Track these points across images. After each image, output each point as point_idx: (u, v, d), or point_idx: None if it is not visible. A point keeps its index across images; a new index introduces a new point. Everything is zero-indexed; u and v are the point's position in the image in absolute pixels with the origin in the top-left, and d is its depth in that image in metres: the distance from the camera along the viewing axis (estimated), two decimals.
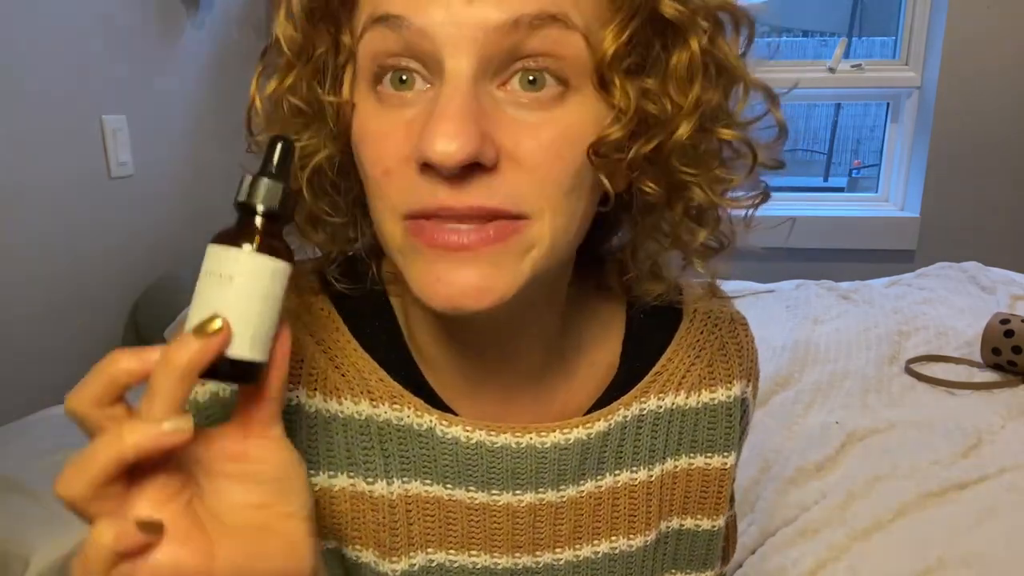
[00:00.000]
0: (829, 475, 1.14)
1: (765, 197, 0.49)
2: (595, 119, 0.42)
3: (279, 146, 0.38)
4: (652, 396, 0.56)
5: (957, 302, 1.80)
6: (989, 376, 1.42)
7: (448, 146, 0.37)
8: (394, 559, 0.52)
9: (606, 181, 0.43)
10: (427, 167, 0.39)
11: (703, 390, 0.57)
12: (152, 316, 1.65)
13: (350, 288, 0.52)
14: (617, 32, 0.40)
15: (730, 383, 0.58)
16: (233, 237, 0.37)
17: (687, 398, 0.57)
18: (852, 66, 2.41)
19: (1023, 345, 1.38)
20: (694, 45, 0.42)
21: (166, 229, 1.69)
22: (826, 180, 5.62)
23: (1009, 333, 1.40)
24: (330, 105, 0.44)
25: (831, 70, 2.41)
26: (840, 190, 4.95)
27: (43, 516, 1.05)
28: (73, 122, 1.51)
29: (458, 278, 0.41)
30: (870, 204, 2.61)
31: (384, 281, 0.53)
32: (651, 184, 0.45)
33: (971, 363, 1.47)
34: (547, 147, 0.40)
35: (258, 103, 0.46)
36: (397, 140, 0.41)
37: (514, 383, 0.53)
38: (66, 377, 1.62)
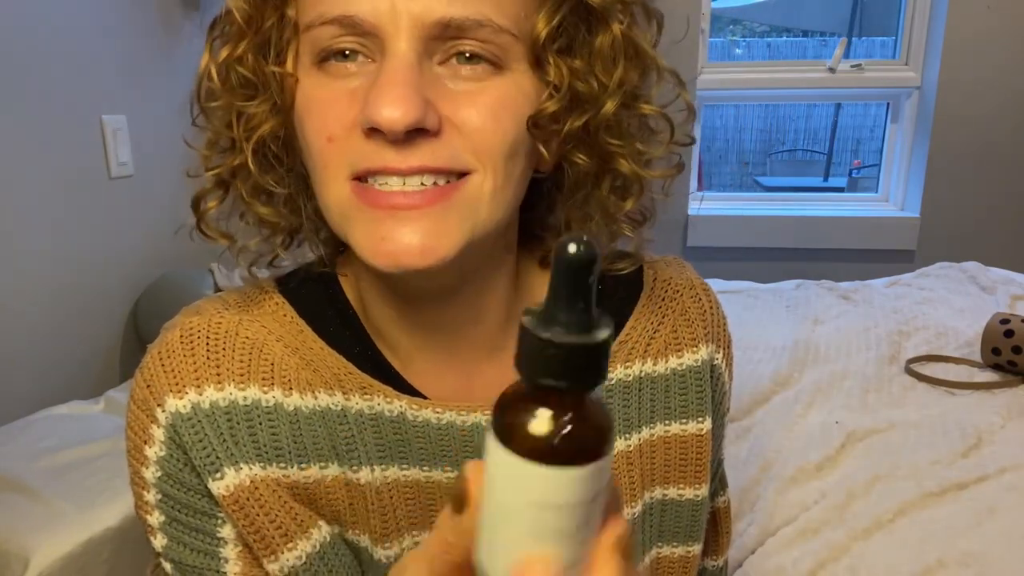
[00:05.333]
0: (829, 475, 1.14)
1: (680, 169, 0.53)
2: (530, 94, 0.46)
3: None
4: (619, 365, 0.57)
5: (957, 302, 1.80)
6: (989, 376, 1.42)
7: (394, 111, 0.41)
8: (386, 545, 0.53)
9: (543, 149, 0.48)
10: (373, 132, 0.42)
11: (670, 356, 0.58)
12: (152, 316, 1.65)
13: (297, 285, 0.54)
14: (548, 17, 0.45)
15: (696, 347, 0.59)
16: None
17: (654, 365, 0.58)
18: (852, 66, 2.41)
19: (1023, 345, 1.38)
20: (616, 29, 0.47)
21: (166, 229, 1.69)
22: (826, 180, 5.63)
23: (1009, 333, 1.40)
24: (274, 77, 0.46)
25: (831, 70, 2.41)
26: (840, 190, 4.97)
27: (43, 516, 1.05)
28: (73, 122, 1.51)
29: (402, 236, 0.43)
30: (870, 204, 2.62)
31: (336, 271, 0.56)
32: (582, 156, 0.49)
33: (971, 363, 1.47)
34: (484, 112, 0.44)
35: (213, 72, 0.47)
36: (341, 108, 0.44)
37: (476, 358, 0.54)
38: (66, 377, 1.63)
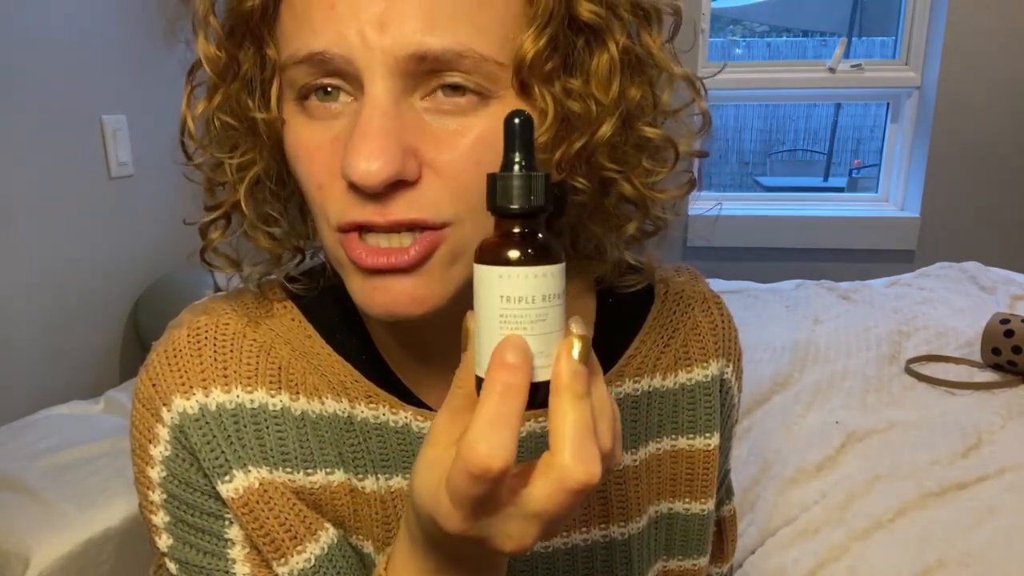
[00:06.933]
0: (829, 475, 1.14)
1: (692, 186, 0.50)
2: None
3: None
4: (627, 380, 0.56)
5: (957, 302, 1.80)
6: (989, 376, 1.42)
7: (370, 166, 0.39)
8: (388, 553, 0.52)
9: None
10: (353, 184, 0.40)
11: (679, 371, 0.58)
12: (152, 316, 1.65)
13: (305, 288, 0.53)
14: (534, 39, 0.41)
15: (706, 362, 0.58)
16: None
17: (663, 380, 0.57)
18: (852, 66, 2.41)
19: (1023, 345, 1.38)
20: (612, 47, 0.43)
21: (166, 229, 1.69)
22: (826, 180, 5.63)
23: (1009, 333, 1.40)
24: (261, 121, 0.45)
25: (831, 70, 2.41)
26: (840, 190, 4.97)
27: (43, 516, 1.05)
28: (73, 122, 1.51)
29: (393, 288, 0.43)
30: (870, 204, 2.61)
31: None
32: (581, 180, 0.46)
33: (971, 363, 1.47)
34: (466, 155, 0.41)
35: (190, 123, 0.47)
36: (326, 155, 0.42)
37: None
38: (66, 377, 1.63)
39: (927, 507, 1.05)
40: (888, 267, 2.26)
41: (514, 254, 0.34)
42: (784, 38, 6.59)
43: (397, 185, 0.40)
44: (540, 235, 0.35)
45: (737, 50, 6.11)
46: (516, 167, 0.35)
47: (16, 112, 1.36)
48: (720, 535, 0.68)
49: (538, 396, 0.35)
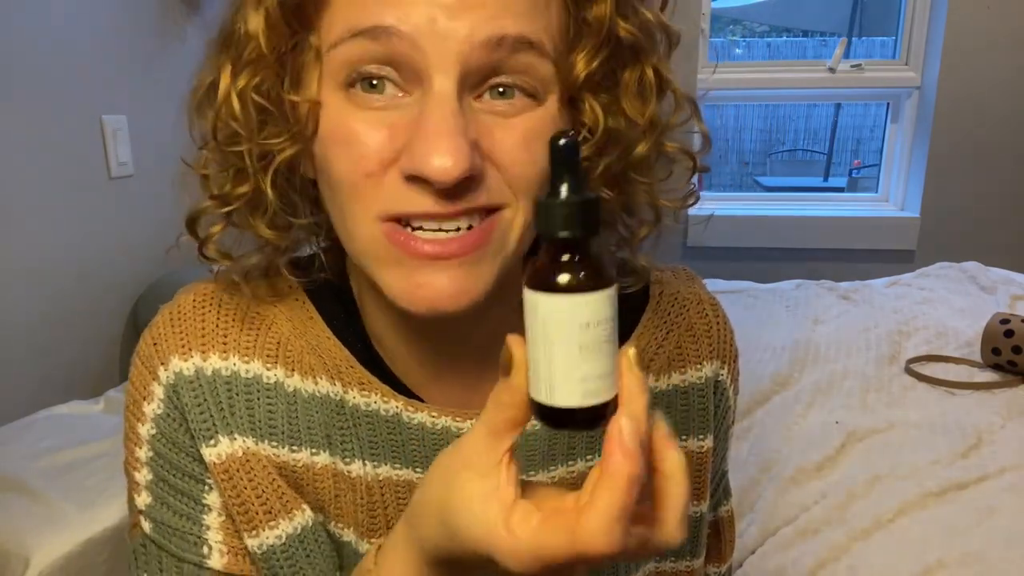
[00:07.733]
0: (829, 475, 1.14)
1: (696, 199, 0.53)
2: (562, 127, 0.45)
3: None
4: None
5: (957, 302, 1.80)
6: (989, 376, 1.42)
7: (445, 163, 0.39)
8: (372, 540, 0.53)
9: None
10: (416, 179, 0.41)
11: (673, 372, 0.58)
12: (152, 316, 1.65)
13: (302, 280, 0.53)
14: (589, 58, 0.44)
15: (700, 364, 0.58)
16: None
17: (656, 381, 0.57)
18: (852, 66, 2.41)
19: (1023, 345, 1.38)
20: (647, 67, 0.46)
21: (166, 229, 1.68)
22: (826, 180, 5.63)
23: (1009, 333, 1.40)
24: (293, 104, 0.44)
25: (831, 70, 2.41)
26: (840, 190, 4.97)
27: (43, 516, 1.05)
28: (73, 122, 1.51)
29: (437, 282, 0.43)
30: (870, 204, 2.62)
31: (348, 274, 0.55)
32: (607, 191, 0.48)
33: (971, 363, 1.47)
34: (519, 143, 0.43)
35: (235, 101, 0.44)
36: (379, 144, 0.42)
37: (479, 370, 0.54)
38: (66, 377, 1.62)
39: (927, 507, 1.05)
40: (888, 267, 2.26)
41: (592, 277, 0.33)
42: (784, 38, 6.59)
43: (462, 181, 0.41)
44: (599, 250, 0.34)
45: (737, 50, 6.11)
46: (565, 190, 0.33)
47: (16, 112, 1.36)
48: (718, 535, 0.68)
49: (607, 413, 0.34)
